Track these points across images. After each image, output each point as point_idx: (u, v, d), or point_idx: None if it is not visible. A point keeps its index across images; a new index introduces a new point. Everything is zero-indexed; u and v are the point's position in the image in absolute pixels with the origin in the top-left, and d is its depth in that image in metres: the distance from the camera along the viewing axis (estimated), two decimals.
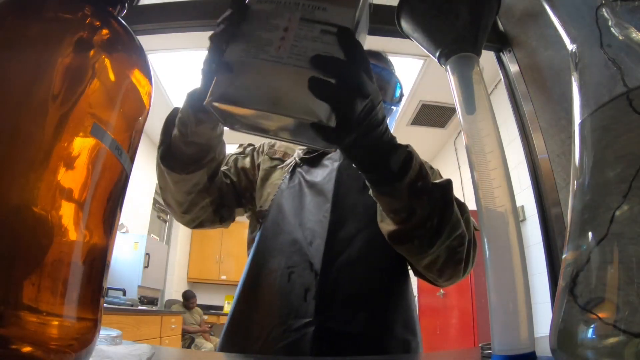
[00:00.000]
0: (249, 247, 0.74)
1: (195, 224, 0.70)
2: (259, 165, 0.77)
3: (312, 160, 0.75)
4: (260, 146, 0.81)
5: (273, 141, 0.81)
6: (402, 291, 0.68)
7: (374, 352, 0.60)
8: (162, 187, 0.64)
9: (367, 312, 0.63)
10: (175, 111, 0.55)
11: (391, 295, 0.66)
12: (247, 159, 0.78)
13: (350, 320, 0.61)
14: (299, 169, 0.74)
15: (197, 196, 0.64)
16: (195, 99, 0.49)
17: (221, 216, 0.71)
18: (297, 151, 0.76)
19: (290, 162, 0.75)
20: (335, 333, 0.59)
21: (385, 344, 0.62)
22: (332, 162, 0.73)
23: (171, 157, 0.57)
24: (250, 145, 0.81)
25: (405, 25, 0.44)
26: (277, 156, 0.78)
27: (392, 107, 0.78)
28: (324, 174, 0.71)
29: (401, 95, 0.81)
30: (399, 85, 0.80)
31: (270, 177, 0.75)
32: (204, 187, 0.64)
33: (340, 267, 0.63)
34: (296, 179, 0.72)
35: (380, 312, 0.64)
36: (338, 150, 0.69)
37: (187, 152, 0.56)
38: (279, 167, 0.76)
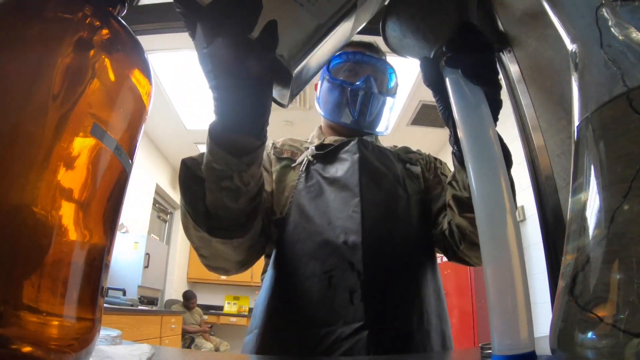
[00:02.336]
0: (266, 258, 0.69)
1: (249, 266, 0.62)
2: (272, 179, 0.71)
3: (327, 155, 0.71)
4: None
5: (275, 140, 0.77)
6: (437, 283, 0.67)
7: (422, 349, 0.58)
8: (207, 256, 0.54)
9: (415, 308, 0.61)
10: (191, 166, 0.46)
11: (428, 287, 0.64)
12: (267, 179, 0.70)
13: (403, 319, 0.59)
14: (313, 167, 0.69)
15: (256, 245, 0.57)
16: (231, 138, 0.40)
17: (265, 249, 0.65)
18: (311, 147, 0.72)
19: (303, 160, 0.70)
20: (390, 334, 0.56)
21: (431, 338, 0.61)
22: (351, 155, 0.69)
23: (218, 222, 0.47)
24: None
25: (394, 33, 0.43)
26: (285, 155, 0.73)
27: (388, 97, 0.76)
28: (345, 167, 0.67)
29: (396, 85, 0.79)
30: (393, 75, 0.79)
31: (284, 179, 0.70)
32: (261, 233, 0.56)
33: (382, 263, 0.60)
34: (313, 178, 0.68)
35: (424, 307, 0.62)
36: (355, 143, 0.70)
37: (238, 207, 0.46)
38: (291, 166, 0.71)
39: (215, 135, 0.41)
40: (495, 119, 0.38)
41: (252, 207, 0.48)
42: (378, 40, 0.79)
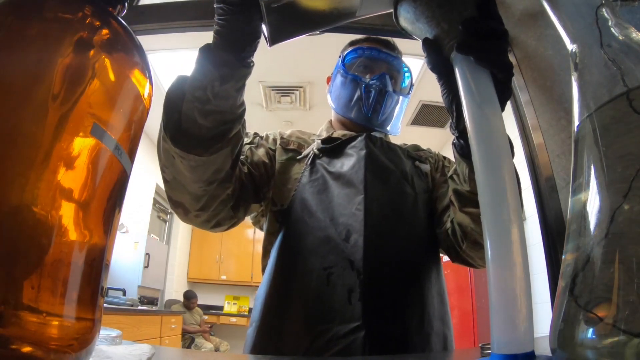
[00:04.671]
0: (266, 252, 0.68)
1: (212, 223, 0.59)
2: (274, 156, 0.70)
3: (333, 150, 0.69)
4: (266, 135, 0.74)
5: (283, 130, 0.77)
6: (440, 284, 0.66)
7: (420, 352, 0.58)
8: (170, 181, 0.52)
9: (415, 310, 0.60)
10: (180, 81, 0.47)
11: (432, 289, 0.63)
12: (262, 150, 0.69)
13: (401, 321, 0.58)
14: (319, 161, 0.68)
15: (218, 187, 0.53)
16: (214, 52, 0.44)
17: (237, 213, 0.61)
18: (317, 141, 0.71)
19: (309, 154, 0.69)
20: (387, 336, 0.56)
21: (431, 342, 0.60)
22: (358, 150, 0.68)
23: (185, 136, 0.47)
24: (256, 134, 0.73)
25: (407, 15, 0.41)
26: (291, 147, 0.72)
27: (401, 96, 0.75)
28: (350, 163, 0.66)
29: (410, 84, 0.78)
30: (408, 74, 0.78)
31: (288, 171, 0.69)
32: (227, 175, 0.53)
33: (383, 263, 0.59)
34: (318, 172, 0.67)
35: (426, 309, 0.61)
36: (362, 138, 0.69)
37: (206, 124, 0.47)
38: (296, 159, 0.70)
39: (204, 49, 0.45)
40: (502, 108, 0.37)
41: (220, 131, 0.48)
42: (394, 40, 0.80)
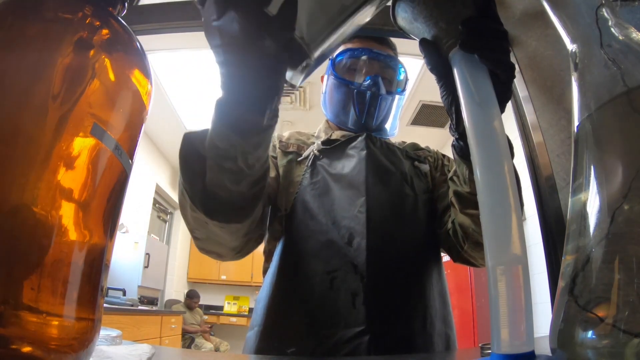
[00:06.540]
0: (268, 255, 0.67)
1: (242, 256, 0.58)
2: (277, 164, 0.69)
3: (334, 150, 0.68)
4: None
5: (281, 133, 0.75)
6: (442, 285, 0.66)
7: (423, 353, 0.58)
8: (202, 239, 0.50)
9: (418, 311, 0.60)
10: (190, 141, 0.41)
11: (433, 290, 0.63)
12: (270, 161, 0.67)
13: (405, 323, 0.58)
14: (319, 162, 0.67)
15: (253, 232, 0.53)
16: (236, 116, 0.36)
17: (263, 239, 0.61)
18: (317, 142, 0.70)
19: (309, 155, 0.68)
20: (392, 339, 0.56)
21: (434, 342, 0.60)
22: (358, 151, 0.67)
23: (216, 204, 0.42)
24: None
25: (405, 15, 0.40)
26: (290, 149, 0.70)
27: (397, 96, 0.74)
28: (351, 164, 0.65)
29: (405, 79, 0.76)
30: (403, 69, 0.76)
31: (290, 174, 0.67)
32: (260, 221, 0.53)
33: (385, 266, 0.59)
34: (319, 174, 0.66)
35: (429, 310, 0.61)
36: (362, 139, 0.68)
37: (239, 190, 0.42)
38: (297, 161, 0.69)
39: (221, 112, 0.36)
40: (502, 110, 0.35)
41: (254, 192, 0.44)
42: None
